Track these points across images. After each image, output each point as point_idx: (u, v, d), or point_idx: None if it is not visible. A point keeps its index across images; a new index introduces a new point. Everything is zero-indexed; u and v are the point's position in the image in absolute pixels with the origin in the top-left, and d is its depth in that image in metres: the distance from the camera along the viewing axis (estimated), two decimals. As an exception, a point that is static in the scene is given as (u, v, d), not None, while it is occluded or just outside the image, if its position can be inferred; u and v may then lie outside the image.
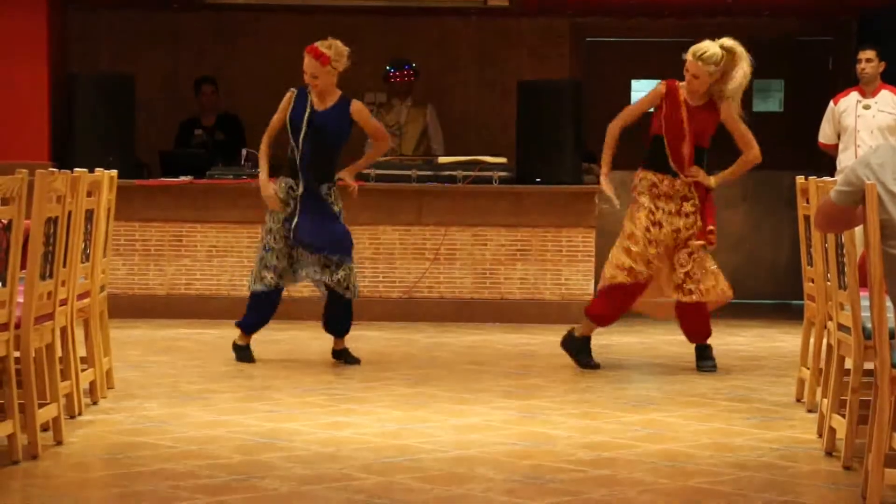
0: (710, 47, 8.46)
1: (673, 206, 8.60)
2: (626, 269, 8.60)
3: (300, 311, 10.45)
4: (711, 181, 8.61)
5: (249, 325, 8.94)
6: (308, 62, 8.64)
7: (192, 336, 10.22)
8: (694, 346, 8.85)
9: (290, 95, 8.79)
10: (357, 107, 8.77)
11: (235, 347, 8.95)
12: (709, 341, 8.81)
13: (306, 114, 8.66)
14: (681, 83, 8.63)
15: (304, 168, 8.65)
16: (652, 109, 8.74)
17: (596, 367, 8.72)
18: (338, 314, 8.89)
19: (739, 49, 8.47)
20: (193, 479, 5.52)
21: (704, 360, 8.76)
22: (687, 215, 8.60)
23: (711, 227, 8.61)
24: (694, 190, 8.60)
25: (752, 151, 8.64)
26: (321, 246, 8.70)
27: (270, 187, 8.74)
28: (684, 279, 8.60)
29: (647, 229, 8.58)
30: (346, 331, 8.95)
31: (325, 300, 8.94)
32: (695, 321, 8.75)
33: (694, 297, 8.61)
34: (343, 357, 8.91)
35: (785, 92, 13.72)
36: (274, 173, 8.78)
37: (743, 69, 8.45)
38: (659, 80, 8.75)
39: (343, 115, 8.71)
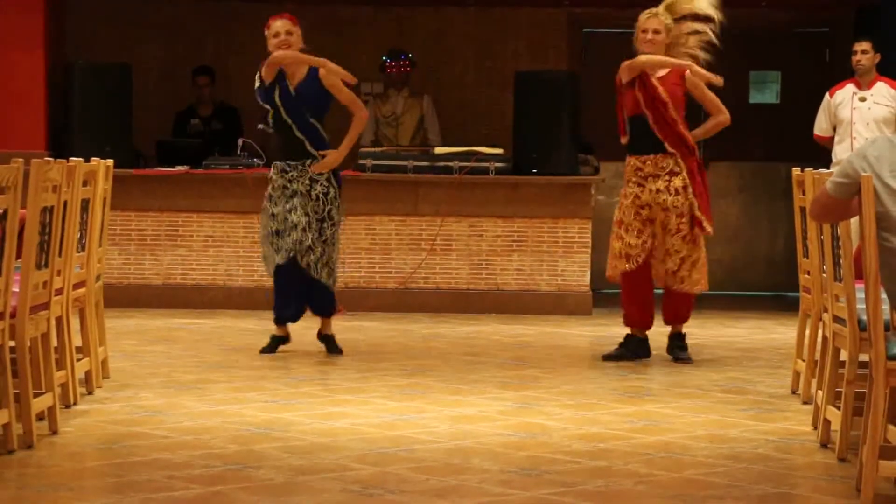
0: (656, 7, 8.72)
1: (661, 184, 8.55)
2: (624, 255, 8.59)
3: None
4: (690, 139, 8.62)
5: (276, 310, 8.86)
6: (280, 24, 8.64)
7: (188, 326, 10.21)
8: (669, 333, 8.78)
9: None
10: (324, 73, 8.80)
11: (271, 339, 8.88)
12: (685, 330, 8.77)
13: (291, 90, 8.66)
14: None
15: (309, 141, 8.66)
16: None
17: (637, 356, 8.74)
18: (318, 293, 8.78)
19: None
20: (189, 469, 5.52)
21: (682, 350, 8.70)
22: (676, 192, 8.54)
23: (702, 217, 8.59)
24: (682, 162, 8.57)
25: (724, 114, 8.70)
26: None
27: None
28: (679, 265, 8.59)
29: (637, 213, 8.56)
30: (332, 310, 8.84)
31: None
32: (680, 306, 8.71)
33: (685, 287, 8.61)
34: (327, 344, 8.83)
35: (781, 84, 13.71)
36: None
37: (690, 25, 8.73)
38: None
39: (318, 82, 8.70)
